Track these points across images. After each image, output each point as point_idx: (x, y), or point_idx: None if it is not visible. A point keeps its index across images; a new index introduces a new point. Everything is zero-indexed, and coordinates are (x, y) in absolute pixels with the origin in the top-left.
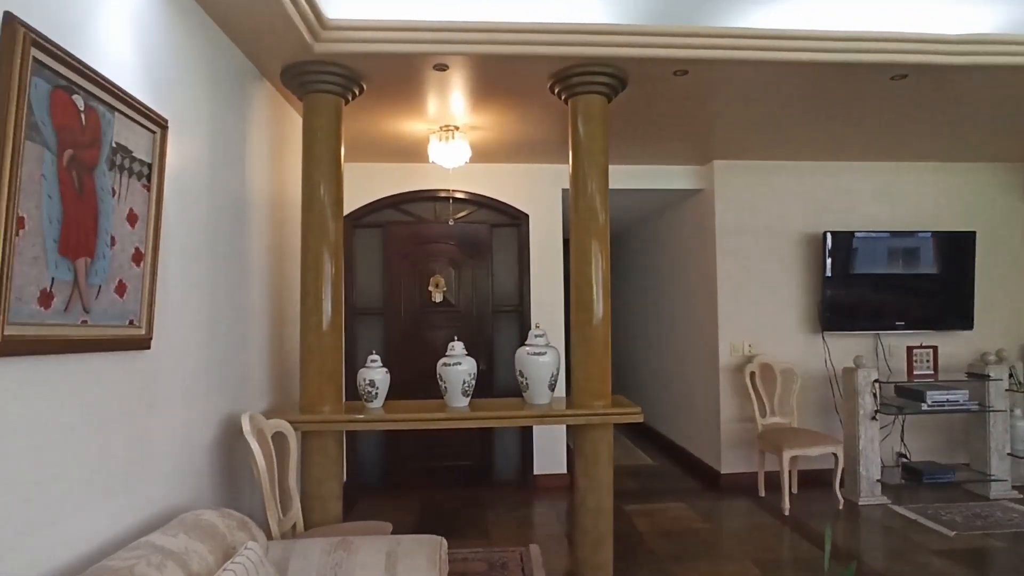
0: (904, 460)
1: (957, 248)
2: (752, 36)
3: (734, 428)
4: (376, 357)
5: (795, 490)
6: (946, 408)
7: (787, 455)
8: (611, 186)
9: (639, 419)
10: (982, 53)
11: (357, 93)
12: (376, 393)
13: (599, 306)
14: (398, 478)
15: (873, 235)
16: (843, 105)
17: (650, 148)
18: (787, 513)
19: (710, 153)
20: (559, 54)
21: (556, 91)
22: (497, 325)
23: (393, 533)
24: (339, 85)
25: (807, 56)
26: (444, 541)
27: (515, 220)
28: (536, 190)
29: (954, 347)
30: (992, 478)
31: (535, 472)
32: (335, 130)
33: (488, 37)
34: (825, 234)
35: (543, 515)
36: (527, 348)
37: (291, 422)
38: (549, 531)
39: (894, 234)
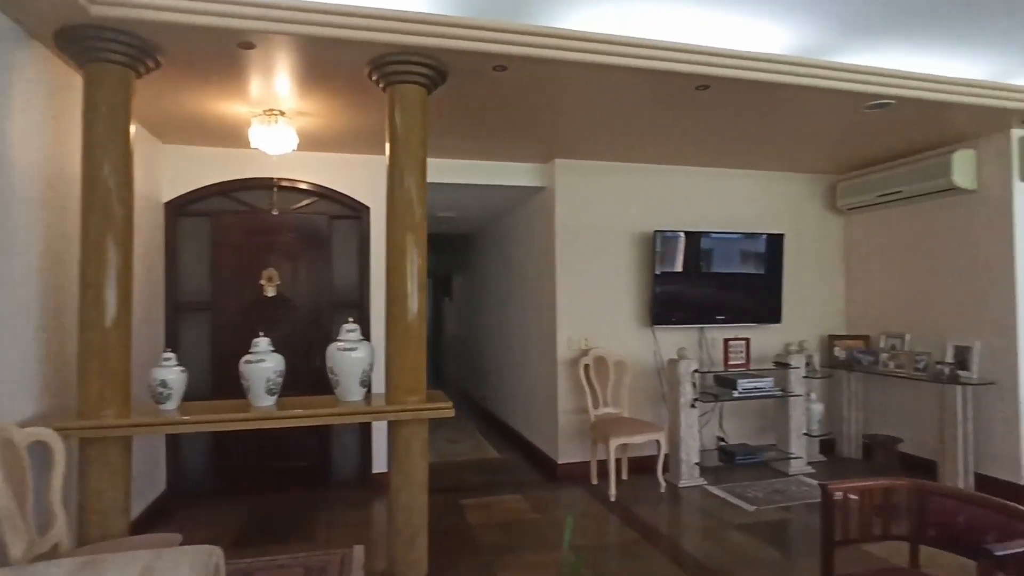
0: (722, 443)
1: (769, 249)
2: (566, 36)
3: (571, 419)
4: (170, 355)
5: (625, 477)
6: (755, 394)
7: (614, 444)
8: (454, 180)
9: (450, 414)
10: (776, 72)
11: (152, 66)
12: (169, 394)
13: (414, 300)
14: (228, 483)
15: (698, 235)
16: (662, 111)
17: (493, 144)
18: (613, 499)
19: (552, 152)
20: (374, 40)
21: (374, 79)
22: (337, 320)
23: (210, 543)
24: (127, 55)
25: (620, 61)
26: (218, 550)
27: (356, 212)
28: (377, 182)
29: (766, 339)
30: (791, 456)
31: (374, 471)
32: (123, 104)
33: (295, 16)
34: (656, 233)
35: (380, 514)
36: (338, 344)
37: (59, 429)
38: (382, 530)
39: (717, 235)
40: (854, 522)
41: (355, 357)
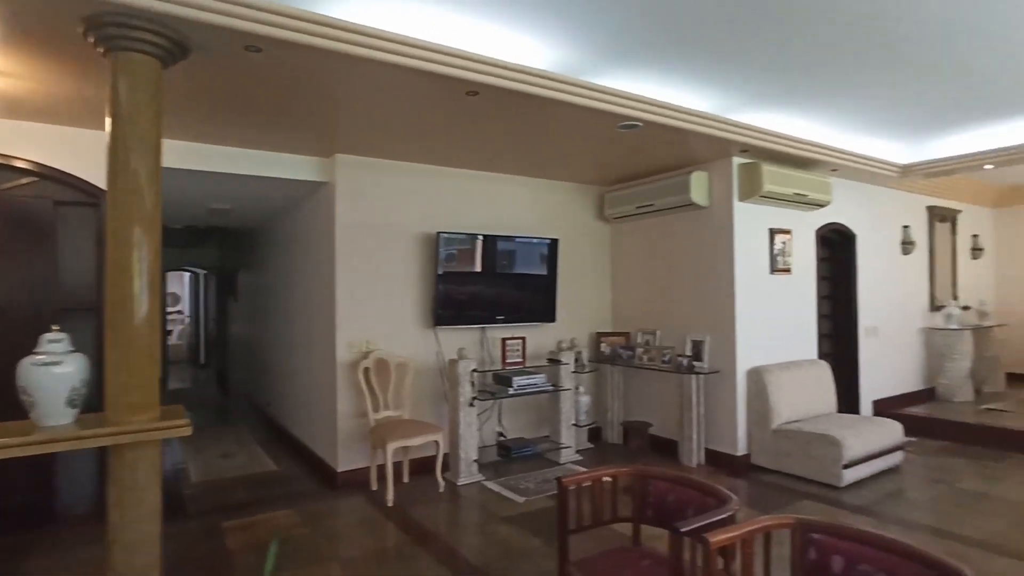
0: (501, 439)
1: (546, 253)
2: (327, 24)
3: (352, 425)
4: None
5: (407, 479)
6: (529, 390)
7: (391, 447)
8: (224, 170)
9: (185, 432)
10: (539, 85)
11: None
12: None
13: (142, 303)
14: None
15: (480, 238)
16: (438, 113)
17: (269, 134)
18: (391, 504)
19: (333, 146)
20: None
21: (91, 40)
22: (63, 327)
23: None
24: None
25: (388, 57)
26: None
27: (91, 198)
28: None
29: (542, 337)
30: (562, 446)
31: None
32: None
33: None
34: (438, 235)
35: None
36: (34, 358)
37: None
38: None
39: (498, 238)
40: (589, 508)
41: (59, 373)
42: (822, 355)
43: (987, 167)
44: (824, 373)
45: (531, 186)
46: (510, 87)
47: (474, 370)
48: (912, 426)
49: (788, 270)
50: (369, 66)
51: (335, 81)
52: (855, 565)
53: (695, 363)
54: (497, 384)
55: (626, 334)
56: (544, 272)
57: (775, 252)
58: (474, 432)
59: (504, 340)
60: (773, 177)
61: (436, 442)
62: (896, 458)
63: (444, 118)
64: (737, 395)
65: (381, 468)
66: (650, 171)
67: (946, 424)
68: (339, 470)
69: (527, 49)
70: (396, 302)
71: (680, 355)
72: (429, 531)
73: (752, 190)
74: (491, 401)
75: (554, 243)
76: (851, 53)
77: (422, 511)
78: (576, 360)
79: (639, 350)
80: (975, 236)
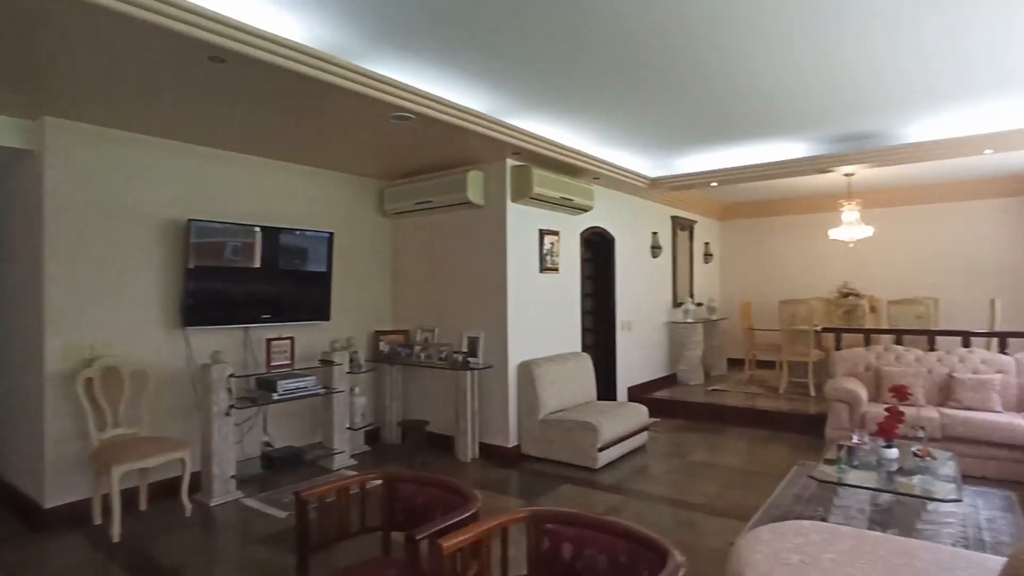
0: (268, 449)
1: (320, 247)
2: None
3: (69, 449)
4: None
5: (144, 507)
6: (297, 394)
7: (118, 472)
8: None
9: None
10: (296, 60)
11: None
12: None
13: None
14: None
15: (243, 227)
16: (180, 79)
17: None
18: (117, 540)
19: (42, 106)
20: None
21: None
22: None
23: None
24: None
25: (108, 3)
26: None
27: None
28: None
29: (315, 337)
30: (335, 452)
31: None
32: None
33: None
34: (190, 222)
35: None
36: None
37: None
38: None
39: (264, 228)
40: (334, 521)
41: None
42: (585, 348)
43: (713, 184)
44: (586, 364)
45: (307, 176)
46: (261, 57)
47: (231, 375)
48: (657, 408)
49: (556, 269)
50: (82, 9)
51: (40, 22)
52: (582, 550)
53: (470, 359)
54: (260, 390)
55: (406, 332)
56: (318, 267)
57: (544, 252)
58: (231, 445)
59: (269, 341)
60: (542, 181)
61: (182, 460)
62: (643, 438)
63: (187, 86)
64: (509, 389)
65: (107, 498)
66: (430, 168)
67: (683, 405)
68: (46, 506)
69: (285, 24)
70: (134, 299)
71: (456, 352)
72: (165, 567)
73: (523, 192)
74: (254, 409)
75: (329, 237)
76: (605, 73)
77: (161, 543)
78: (351, 360)
79: (417, 348)
80: (707, 243)
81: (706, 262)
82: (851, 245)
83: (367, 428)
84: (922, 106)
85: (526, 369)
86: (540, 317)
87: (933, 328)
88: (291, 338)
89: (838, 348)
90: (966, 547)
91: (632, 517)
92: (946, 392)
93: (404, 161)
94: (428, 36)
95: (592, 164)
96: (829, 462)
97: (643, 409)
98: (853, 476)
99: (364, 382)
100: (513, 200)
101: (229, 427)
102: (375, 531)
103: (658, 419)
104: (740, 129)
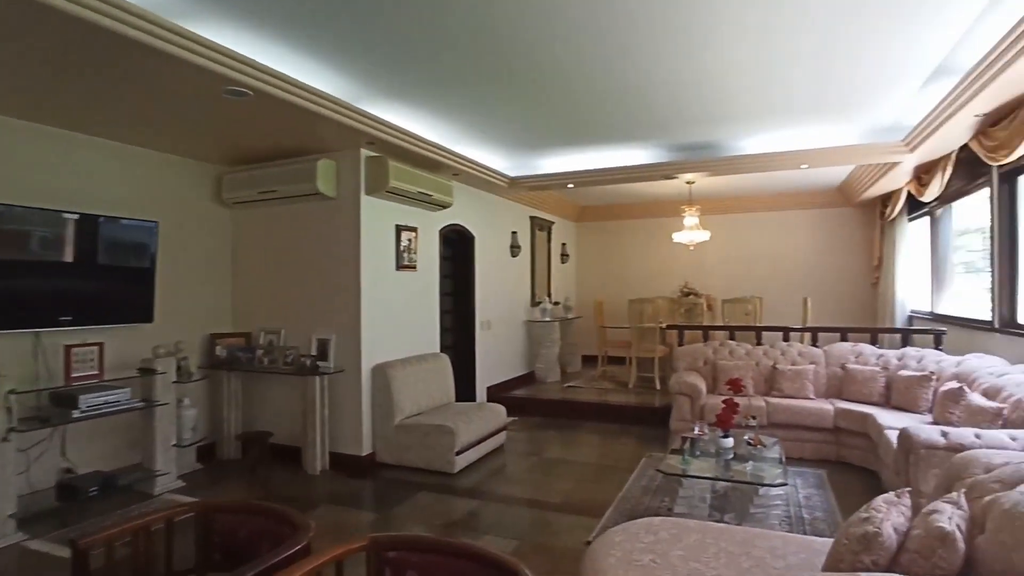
0: (69, 476)
1: (139, 237)
2: None
3: None
4: None
5: None
6: (105, 411)
7: None
8: None
9: None
10: (98, 12)
11: None
12: None
13: None
14: None
15: (35, 212)
16: None
17: None
18: None
19: None
20: None
21: None
22: None
23: None
24: None
25: None
26: None
27: None
28: None
29: (132, 342)
30: (158, 473)
31: None
32: None
33: None
34: None
35: None
36: None
37: None
38: None
39: (66, 214)
40: (130, 569)
41: None
42: (444, 348)
43: (570, 186)
44: (445, 365)
45: (124, 154)
46: (57, 5)
47: (12, 391)
48: (516, 407)
49: (414, 267)
50: None
51: None
52: None
53: (320, 363)
54: (56, 407)
55: (247, 334)
56: (140, 263)
57: (401, 249)
58: (10, 477)
59: (69, 348)
60: (399, 174)
61: None
62: (501, 438)
63: None
64: (362, 393)
65: None
66: (276, 154)
67: (540, 402)
68: None
69: None
70: None
71: (304, 355)
72: None
73: (379, 185)
74: (48, 430)
75: (152, 226)
76: (467, 67)
77: None
78: (179, 368)
79: (260, 351)
80: (564, 244)
81: (563, 262)
82: (692, 248)
83: (199, 444)
84: (756, 122)
85: (381, 372)
86: (397, 317)
87: (759, 324)
88: (99, 344)
89: (680, 344)
90: (790, 525)
91: (490, 521)
92: (771, 382)
93: (246, 145)
94: (272, 6)
95: (452, 160)
96: (675, 452)
97: (501, 409)
98: (695, 466)
99: (196, 392)
100: (368, 193)
101: (9, 455)
102: (187, 575)
103: (516, 418)
104: (596, 134)
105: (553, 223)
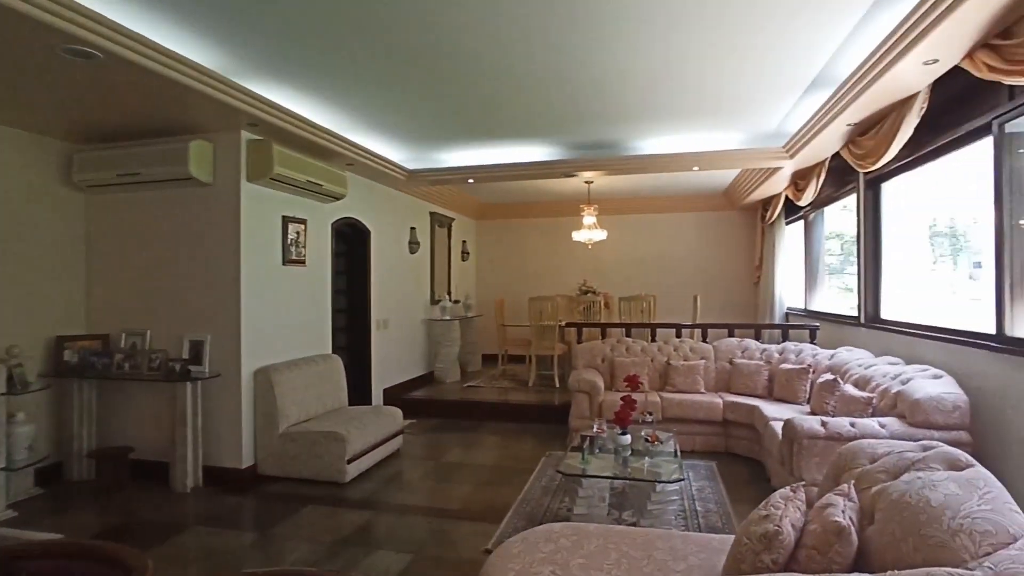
0: None
1: None
2: None
3: None
4: None
5: None
6: None
7: None
8: None
9: None
10: None
11: None
12: None
13: None
14: None
15: None
16: None
17: None
18: None
19: None
20: None
21: None
22: None
23: None
24: None
25: None
26: None
27: None
28: None
29: None
30: None
31: None
32: None
33: None
34: None
35: None
36: None
37: None
38: None
39: None
40: None
41: None
42: (336, 349)
43: (470, 181)
44: (336, 367)
45: None
46: None
47: None
48: (414, 408)
49: (303, 262)
50: None
51: None
52: None
53: (192, 367)
54: None
55: (105, 336)
56: None
57: (288, 242)
58: None
59: None
60: (285, 160)
61: None
62: (397, 443)
63: None
64: (243, 400)
65: None
66: (141, 132)
67: (440, 403)
68: None
69: None
70: None
71: (174, 359)
72: None
73: (262, 171)
74: None
75: None
76: (363, 49)
77: None
78: (10, 377)
79: (119, 356)
80: (464, 241)
81: (463, 260)
82: (590, 247)
83: (38, 464)
84: (651, 124)
85: (264, 376)
86: (283, 316)
87: (653, 321)
88: None
89: (579, 341)
90: (685, 519)
91: (383, 534)
92: (665, 378)
93: (102, 119)
94: None
95: (346, 148)
96: (575, 450)
97: (397, 412)
98: (595, 465)
99: (35, 405)
100: (250, 180)
101: None
102: None
103: (414, 420)
104: (497, 129)
105: (454, 220)
